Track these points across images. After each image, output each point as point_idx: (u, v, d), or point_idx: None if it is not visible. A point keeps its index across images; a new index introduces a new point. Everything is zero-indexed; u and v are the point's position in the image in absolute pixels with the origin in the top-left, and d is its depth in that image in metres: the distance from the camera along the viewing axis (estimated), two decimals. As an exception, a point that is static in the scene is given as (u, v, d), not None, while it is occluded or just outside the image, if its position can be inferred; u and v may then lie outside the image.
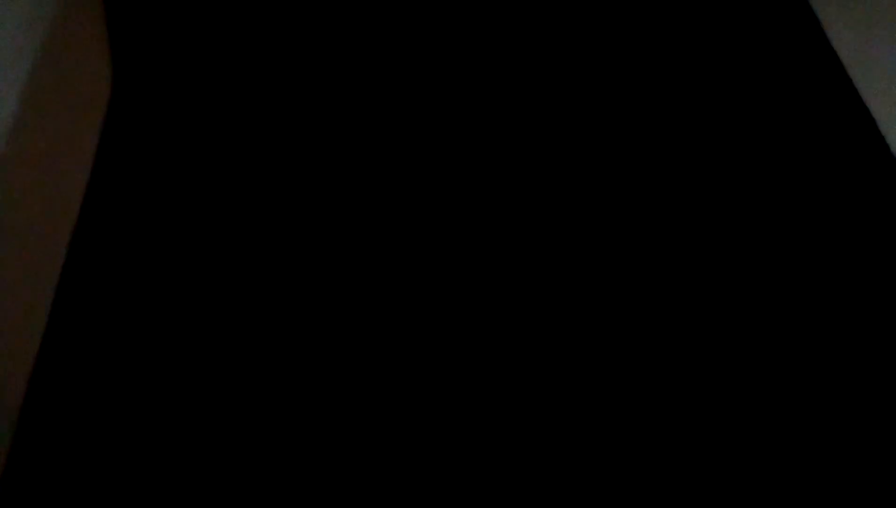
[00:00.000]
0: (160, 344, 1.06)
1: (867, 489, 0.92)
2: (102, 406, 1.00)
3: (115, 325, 1.08)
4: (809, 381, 1.01)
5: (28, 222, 1.04)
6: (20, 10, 1.08)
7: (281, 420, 0.99)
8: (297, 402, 1.01)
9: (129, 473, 0.94)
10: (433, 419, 0.98)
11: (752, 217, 1.20)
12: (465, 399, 1.00)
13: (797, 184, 1.24)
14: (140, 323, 1.08)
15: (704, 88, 1.40)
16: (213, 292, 1.12)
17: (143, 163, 1.28)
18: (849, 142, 1.30)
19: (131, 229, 1.19)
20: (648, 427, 0.97)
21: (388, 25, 1.51)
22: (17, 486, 0.92)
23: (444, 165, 1.29)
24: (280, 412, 1.00)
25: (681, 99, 1.38)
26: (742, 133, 1.32)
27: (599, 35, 1.49)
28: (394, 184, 1.26)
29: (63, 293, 1.11)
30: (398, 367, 1.04)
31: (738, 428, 0.97)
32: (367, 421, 0.98)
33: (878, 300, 1.09)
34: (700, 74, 1.42)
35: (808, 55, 1.44)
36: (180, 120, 1.34)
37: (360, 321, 1.08)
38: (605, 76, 1.42)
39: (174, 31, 1.48)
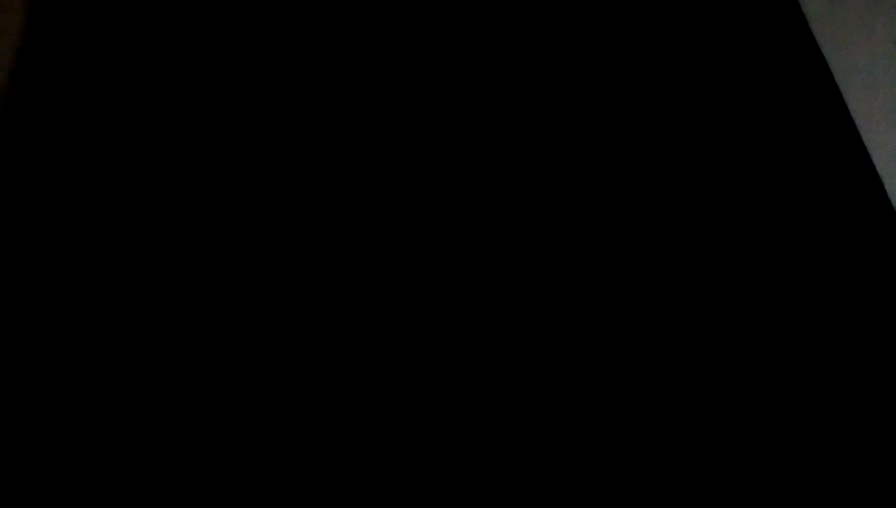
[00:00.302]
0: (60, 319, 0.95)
1: (867, 489, 0.96)
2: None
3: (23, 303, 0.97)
4: (794, 383, 1.02)
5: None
6: None
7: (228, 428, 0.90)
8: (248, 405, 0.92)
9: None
10: (431, 418, 0.99)
11: (726, 212, 1.21)
12: (464, 399, 1.01)
13: (770, 175, 1.25)
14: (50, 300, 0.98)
15: (679, 79, 1.36)
16: (141, 265, 1.03)
17: (60, 112, 1.18)
18: (826, 137, 1.31)
19: (40, 190, 1.09)
20: (648, 428, 0.99)
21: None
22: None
23: (409, 158, 1.25)
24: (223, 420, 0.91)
25: (659, 84, 1.34)
26: (716, 127, 1.31)
27: (572, 22, 1.49)
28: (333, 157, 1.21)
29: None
30: (381, 367, 1.00)
31: (731, 429, 0.99)
32: (343, 422, 0.94)
33: (848, 292, 1.10)
34: (675, 66, 1.39)
35: (788, 43, 1.47)
36: (111, 61, 1.23)
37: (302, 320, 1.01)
38: (580, 60, 1.38)
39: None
